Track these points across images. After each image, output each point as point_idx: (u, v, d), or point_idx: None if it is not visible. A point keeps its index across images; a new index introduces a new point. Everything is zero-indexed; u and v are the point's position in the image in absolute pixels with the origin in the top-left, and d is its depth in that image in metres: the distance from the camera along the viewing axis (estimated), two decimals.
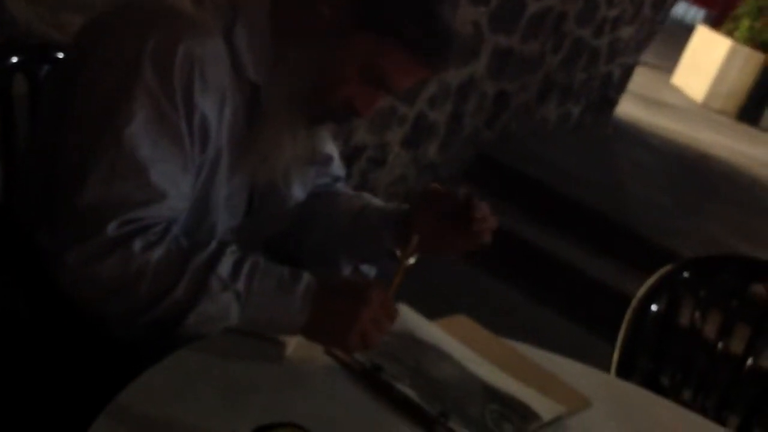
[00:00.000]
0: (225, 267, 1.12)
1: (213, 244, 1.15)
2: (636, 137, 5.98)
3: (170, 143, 1.13)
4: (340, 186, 1.51)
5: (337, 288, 1.17)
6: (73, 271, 1.08)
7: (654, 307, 1.84)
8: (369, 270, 1.48)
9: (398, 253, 1.38)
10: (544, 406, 1.24)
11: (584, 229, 4.08)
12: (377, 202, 1.48)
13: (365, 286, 1.16)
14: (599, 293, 3.73)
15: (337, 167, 1.51)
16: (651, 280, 1.88)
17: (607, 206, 4.30)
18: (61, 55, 1.39)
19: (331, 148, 1.49)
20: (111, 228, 1.08)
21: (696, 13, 17.09)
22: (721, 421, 1.88)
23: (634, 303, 1.85)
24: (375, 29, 1.17)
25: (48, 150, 1.18)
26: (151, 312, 1.09)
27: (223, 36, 1.17)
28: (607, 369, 1.79)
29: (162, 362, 1.02)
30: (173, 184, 1.14)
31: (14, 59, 1.35)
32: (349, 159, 3.38)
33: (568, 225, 4.10)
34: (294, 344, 1.18)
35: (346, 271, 1.46)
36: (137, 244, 1.09)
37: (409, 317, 1.36)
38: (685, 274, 1.88)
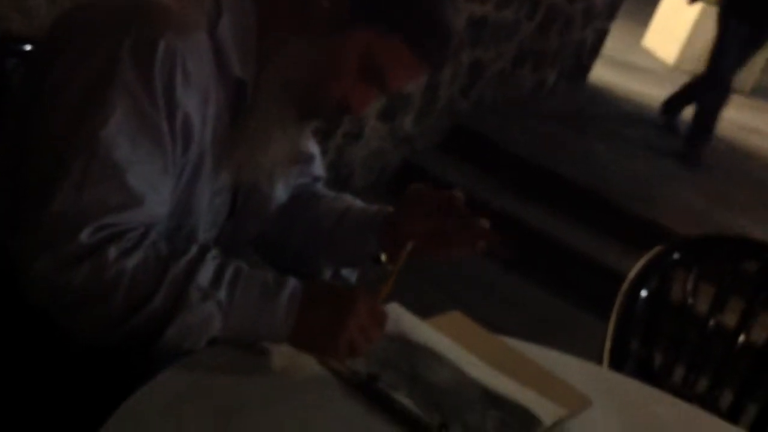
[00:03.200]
0: (205, 275, 1.06)
1: (193, 250, 1.08)
2: (609, 102, 5.95)
3: (150, 144, 1.06)
4: (320, 186, 1.46)
5: (323, 294, 1.13)
6: (44, 279, 1.01)
7: (644, 293, 1.81)
8: (350, 274, 1.43)
9: (383, 257, 1.33)
10: (545, 410, 1.20)
11: (560, 199, 4.07)
12: (359, 204, 1.42)
13: (352, 293, 1.12)
14: (576, 263, 3.73)
15: (318, 166, 1.46)
16: (641, 263, 1.85)
17: (582, 175, 4.28)
18: (27, 47, 1.31)
19: (313, 147, 1.44)
20: (84, 234, 1.01)
21: None
22: (714, 398, 1.86)
23: (624, 287, 1.82)
24: (378, 24, 1.11)
25: (18, 152, 1.11)
26: (126, 323, 1.03)
27: (207, 30, 1.10)
28: (593, 347, 1.77)
29: (146, 386, 0.96)
30: (152, 187, 1.07)
31: None
32: (324, 135, 3.31)
33: (543, 194, 4.07)
34: (286, 355, 1.13)
35: (327, 274, 1.41)
36: (112, 252, 1.02)
37: (402, 318, 1.31)
38: (676, 256, 1.85)
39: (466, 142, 4.31)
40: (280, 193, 1.36)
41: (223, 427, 0.97)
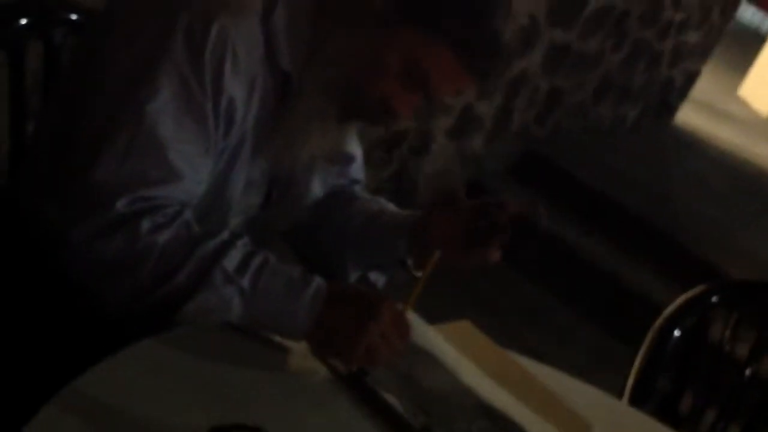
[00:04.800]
0: (232, 260, 1.08)
1: (224, 234, 1.11)
2: (694, 146, 5.79)
3: (193, 124, 1.09)
4: (358, 189, 1.46)
5: (348, 297, 1.12)
6: (77, 246, 1.05)
7: (677, 332, 1.75)
8: (378, 278, 1.42)
9: (409, 262, 1.31)
10: (538, 430, 1.17)
11: (628, 236, 3.96)
12: (393, 207, 1.42)
13: (377, 299, 1.10)
14: (635, 302, 3.62)
15: (358, 169, 1.46)
16: (679, 301, 1.79)
17: (655, 214, 4.16)
18: (74, 17, 1.35)
19: (356, 149, 1.44)
20: (121, 204, 1.04)
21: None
22: None
23: (657, 323, 1.77)
24: (425, 26, 1.11)
25: (64, 120, 1.14)
26: (150, 296, 1.06)
27: (262, 17, 1.12)
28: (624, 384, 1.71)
29: (126, 349, 0.97)
30: (191, 166, 1.10)
31: (25, 20, 1.31)
32: (389, 144, 3.32)
33: (611, 230, 3.98)
34: (297, 352, 1.12)
35: (354, 277, 1.40)
36: (145, 225, 1.05)
37: (409, 320, 1.30)
38: (714, 299, 1.79)
39: (537, 169, 4.25)
40: (317, 189, 1.37)
41: (196, 403, 0.96)
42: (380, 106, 1.17)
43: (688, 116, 6.14)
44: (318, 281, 1.11)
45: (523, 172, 4.24)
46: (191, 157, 1.10)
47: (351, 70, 1.14)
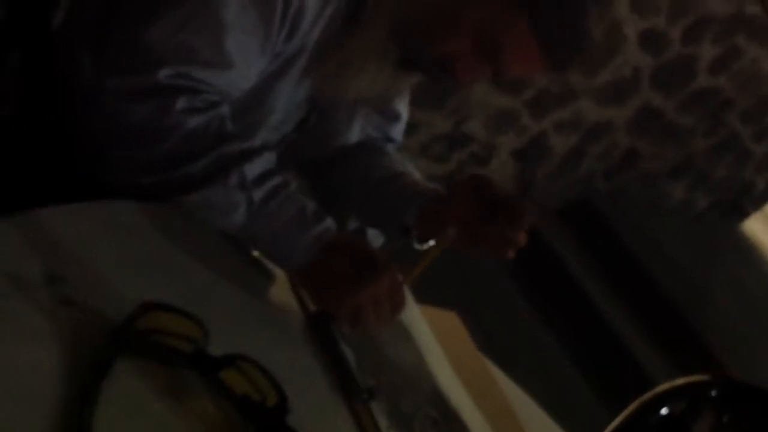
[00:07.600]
0: (253, 169, 1.04)
1: (255, 143, 1.07)
2: (752, 258, 5.64)
3: (259, 17, 1.05)
4: (390, 147, 1.41)
5: (355, 249, 1.07)
6: (106, 98, 1.01)
7: (663, 411, 1.67)
8: (376, 238, 1.37)
9: (413, 232, 1.26)
10: None
11: (651, 312, 3.89)
12: (417, 175, 1.37)
13: (382, 263, 1.05)
14: (632, 375, 3.57)
15: (399, 130, 1.41)
16: (677, 382, 1.71)
17: (685, 304, 4.06)
18: None
19: (404, 110, 1.40)
20: (163, 74, 1.01)
21: None
22: None
23: (648, 395, 1.69)
24: None
25: None
26: (159, 174, 1.02)
27: None
28: None
29: (105, 201, 0.93)
30: (243, 58, 1.06)
31: None
32: (452, 143, 3.26)
33: (637, 301, 3.90)
34: (279, 283, 1.09)
35: (351, 227, 1.35)
36: (181, 103, 1.01)
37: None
38: (713, 393, 1.71)
39: (587, 221, 4.17)
40: (355, 133, 1.33)
41: (145, 275, 0.91)
42: (443, 65, 1.13)
43: (756, 227, 5.97)
44: (330, 222, 1.08)
45: (570, 218, 4.16)
46: (246, 49, 1.06)
47: (426, 18, 1.10)
